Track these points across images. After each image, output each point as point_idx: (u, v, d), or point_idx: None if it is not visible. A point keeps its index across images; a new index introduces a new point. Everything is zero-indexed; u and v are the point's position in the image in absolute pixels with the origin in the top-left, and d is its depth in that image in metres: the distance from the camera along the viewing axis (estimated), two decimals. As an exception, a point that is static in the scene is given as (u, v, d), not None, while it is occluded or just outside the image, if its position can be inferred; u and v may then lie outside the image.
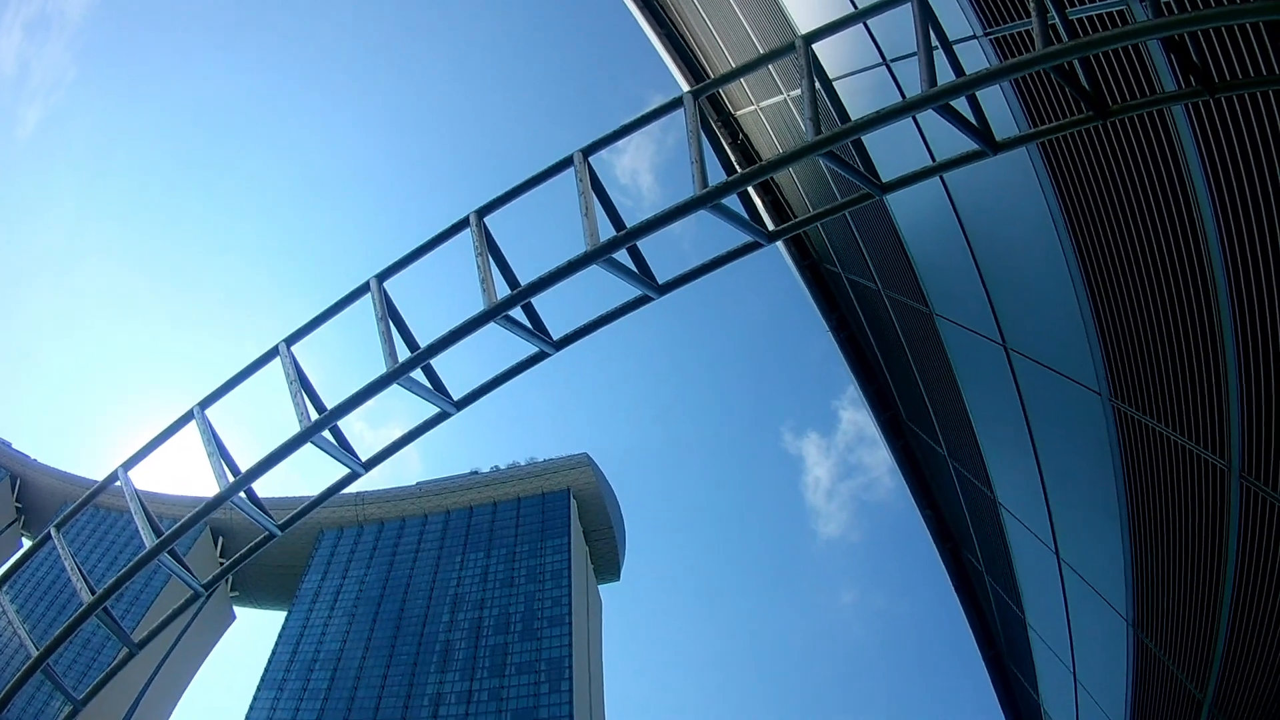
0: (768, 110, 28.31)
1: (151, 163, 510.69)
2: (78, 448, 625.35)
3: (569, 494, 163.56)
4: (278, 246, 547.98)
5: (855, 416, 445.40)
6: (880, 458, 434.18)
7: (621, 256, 13.22)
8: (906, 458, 34.15)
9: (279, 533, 15.77)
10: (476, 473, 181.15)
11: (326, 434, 14.25)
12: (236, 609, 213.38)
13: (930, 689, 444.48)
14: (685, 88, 31.33)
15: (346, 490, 13.94)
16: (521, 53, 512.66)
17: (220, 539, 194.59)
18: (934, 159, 18.49)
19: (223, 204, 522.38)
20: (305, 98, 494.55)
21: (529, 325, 14.28)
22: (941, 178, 17.93)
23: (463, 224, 14.04)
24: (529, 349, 14.30)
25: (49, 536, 16.38)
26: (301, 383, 14.23)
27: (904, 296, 25.76)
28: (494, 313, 13.22)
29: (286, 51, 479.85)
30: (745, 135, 32.11)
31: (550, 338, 14.61)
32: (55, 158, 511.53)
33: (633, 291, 14.16)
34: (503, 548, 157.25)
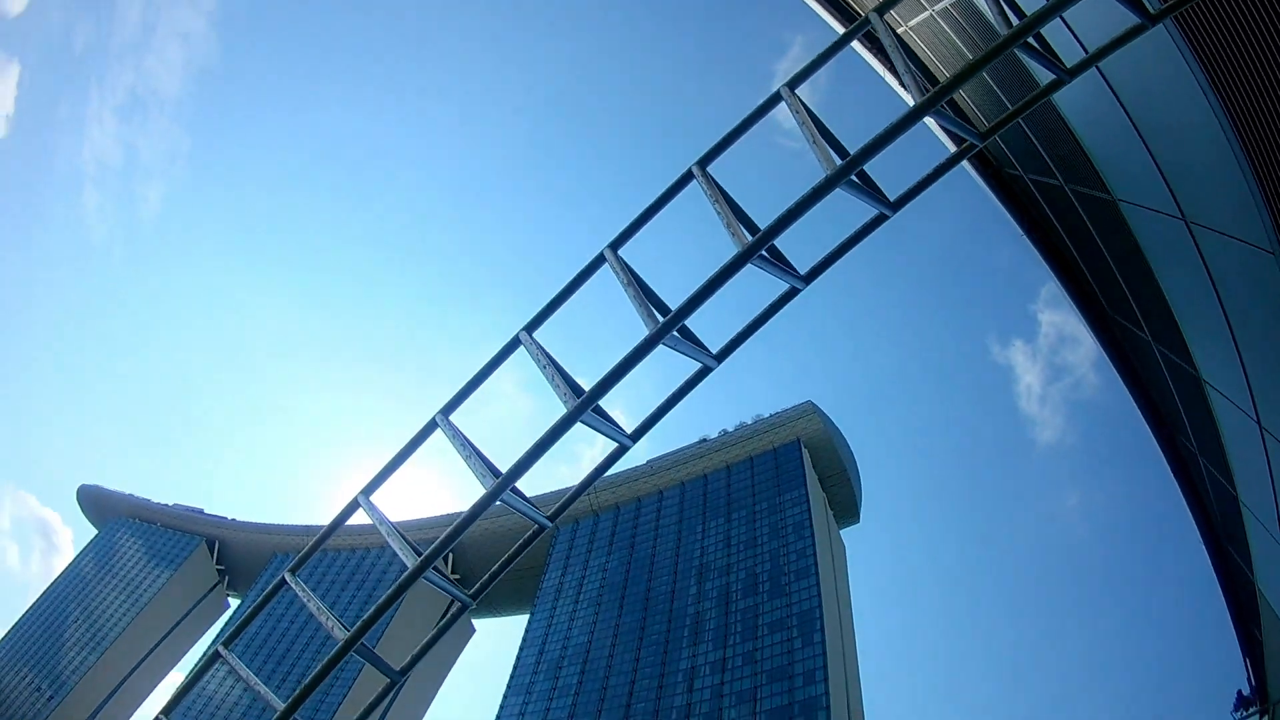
0: (917, 28, 29.28)
1: (296, 205, 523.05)
2: (268, 501, 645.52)
3: (799, 444, 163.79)
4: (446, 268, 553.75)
5: (1054, 317, 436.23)
6: (1083, 355, 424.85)
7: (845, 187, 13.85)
8: (1114, 349, 34.62)
9: (550, 524, 16.53)
10: (705, 440, 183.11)
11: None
12: (474, 621, 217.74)
13: (1156, 580, 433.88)
14: (835, 25, 32.24)
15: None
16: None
17: (450, 554, 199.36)
18: (1085, 48, 19.58)
19: (378, 234, 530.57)
20: (457, 93, 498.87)
21: (779, 263, 14.96)
22: (1098, 66, 18.69)
23: (686, 178, 14.81)
24: (757, 298, 15.10)
25: (284, 583, 16.75)
26: (555, 366, 15.00)
27: (1086, 188, 26.54)
28: (748, 255, 13.88)
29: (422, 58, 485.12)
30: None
31: (799, 272, 15.34)
32: (189, 226, 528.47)
33: (856, 221, 15.14)
34: (742, 509, 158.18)
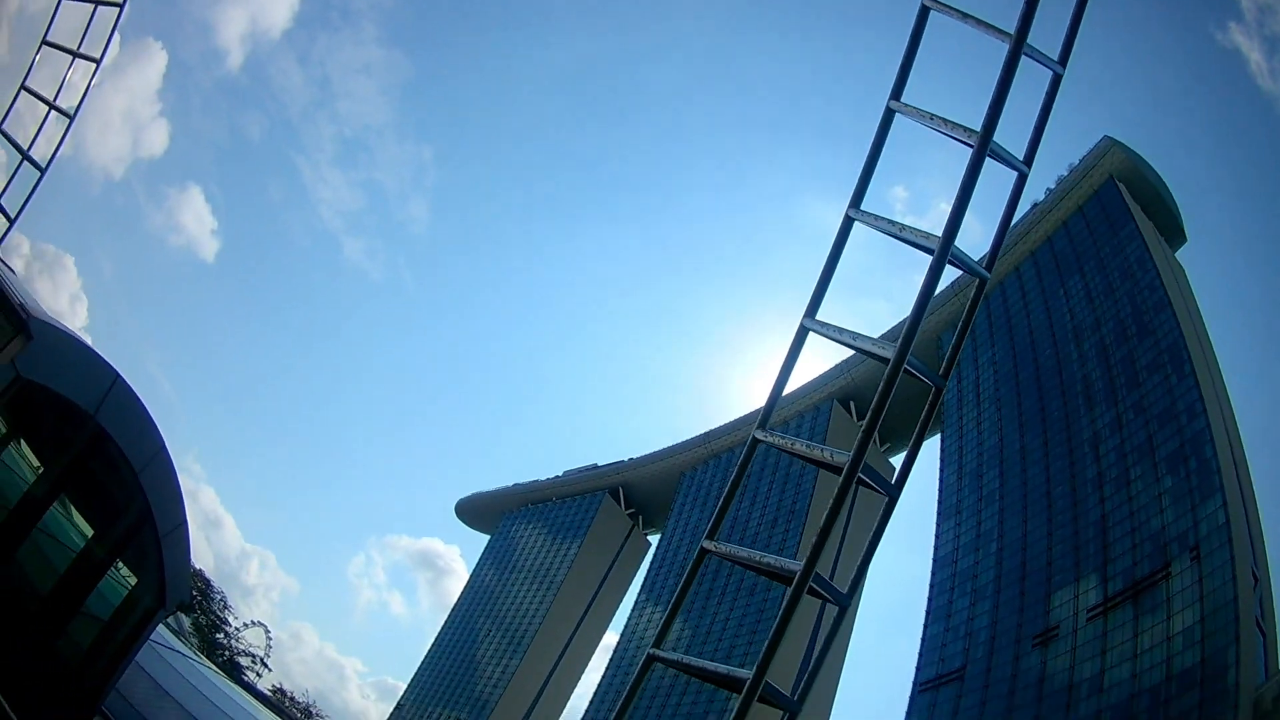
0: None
1: (567, 136, 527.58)
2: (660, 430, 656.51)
3: (1113, 181, 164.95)
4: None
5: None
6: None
7: None
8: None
9: (988, 275, 17.67)
10: (1036, 204, 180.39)
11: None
12: (890, 460, 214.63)
13: None
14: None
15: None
16: None
17: (851, 402, 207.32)
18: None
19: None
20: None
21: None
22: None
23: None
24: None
25: (756, 443, 17.21)
26: (940, 117, 16.82)
27: None
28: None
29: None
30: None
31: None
32: (470, 218, 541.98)
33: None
34: (1089, 260, 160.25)
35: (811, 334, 17.08)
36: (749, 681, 13.94)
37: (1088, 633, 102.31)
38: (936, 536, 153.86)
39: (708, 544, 16.63)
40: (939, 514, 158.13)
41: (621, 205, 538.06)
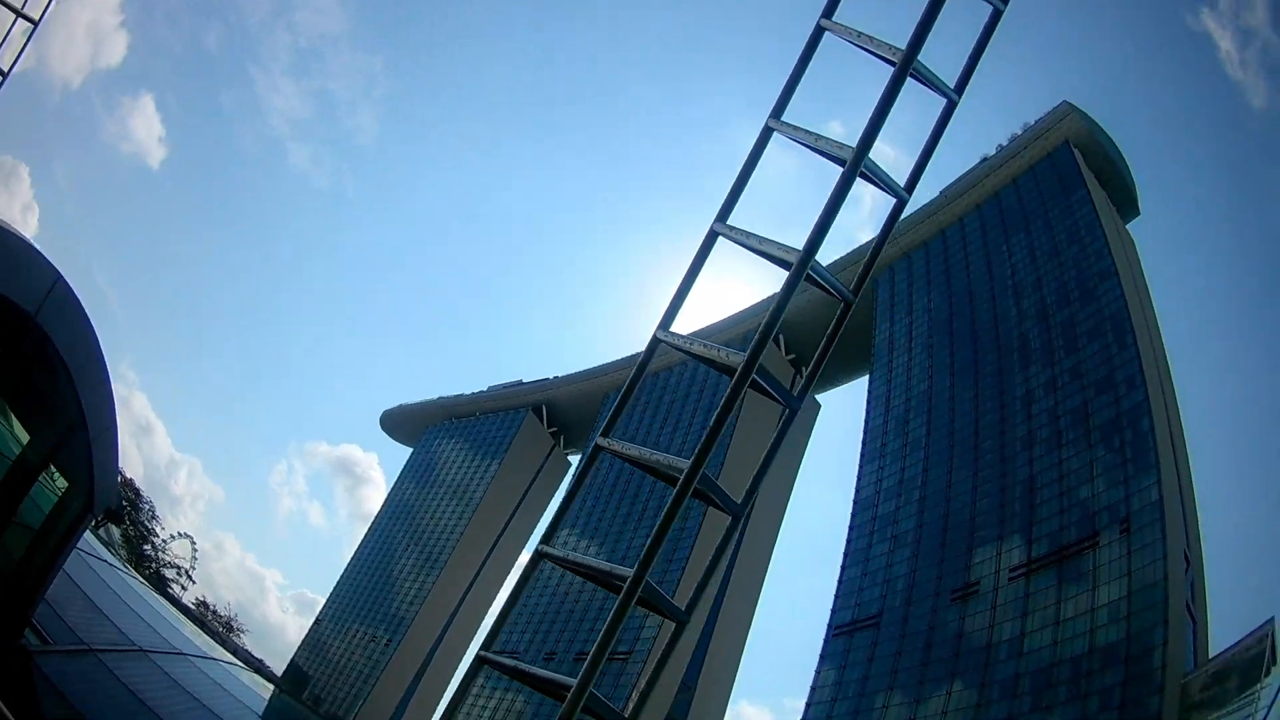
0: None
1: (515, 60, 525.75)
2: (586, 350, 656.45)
3: (1068, 145, 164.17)
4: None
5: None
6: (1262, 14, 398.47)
7: None
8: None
9: (907, 197, 17.39)
10: (986, 158, 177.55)
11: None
12: (819, 397, 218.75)
13: None
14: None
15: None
16: None
17: (782, 338, 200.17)
18: None
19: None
20: None
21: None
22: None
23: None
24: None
25: (657, 342, 17.68)
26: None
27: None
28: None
29: None
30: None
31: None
32: (416, 131, 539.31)
33: None
34: (1037, 219, 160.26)
35: (721, 239, 17.16)
36: (629, 580, 14.13)
37: (1009, 593, 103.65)
38: (858, 479, 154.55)
39: (602, 441, 16.84)
40: (862, 456, 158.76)
41: (561, 120, 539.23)
